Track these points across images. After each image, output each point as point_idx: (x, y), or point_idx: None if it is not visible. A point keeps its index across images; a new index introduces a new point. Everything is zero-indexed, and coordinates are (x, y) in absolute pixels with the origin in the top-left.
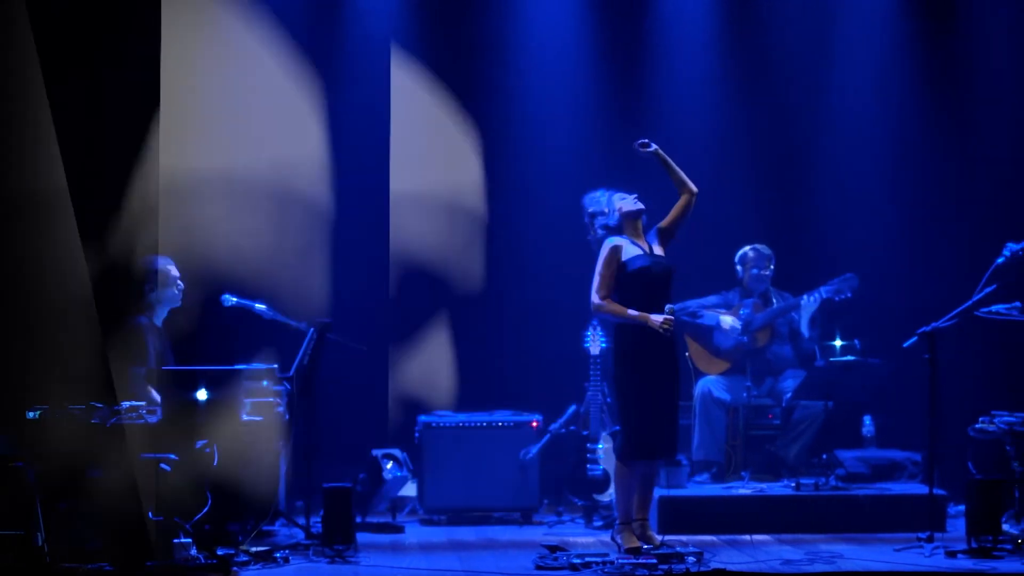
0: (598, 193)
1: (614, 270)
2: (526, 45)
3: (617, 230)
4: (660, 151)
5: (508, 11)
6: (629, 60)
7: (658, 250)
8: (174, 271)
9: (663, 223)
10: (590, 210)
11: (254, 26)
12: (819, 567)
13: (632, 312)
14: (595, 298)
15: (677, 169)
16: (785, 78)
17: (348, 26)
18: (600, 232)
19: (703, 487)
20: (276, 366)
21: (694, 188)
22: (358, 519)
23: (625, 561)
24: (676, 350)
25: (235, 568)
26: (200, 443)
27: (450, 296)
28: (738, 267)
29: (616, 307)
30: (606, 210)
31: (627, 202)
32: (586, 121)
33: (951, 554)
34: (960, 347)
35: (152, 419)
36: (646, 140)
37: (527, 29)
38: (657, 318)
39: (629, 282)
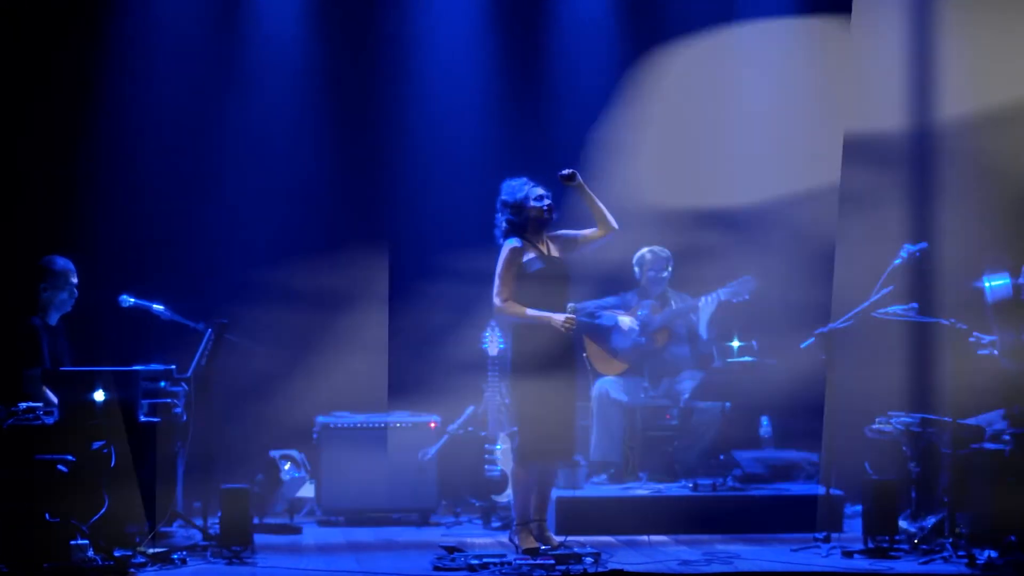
0: (517, 183)
1: (514, 272)
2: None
3: (520, 228)
4: (584, 184)
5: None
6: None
7: (555, 252)
8: (73, 277)
9: (571, 235)
10: (504, 198)
11: None
12: (716, 567)
13: (534, 312)
14: (497, 300)
15: (600, 204)
16: (680, 80)
17: None
18: (504, 225)
19: (601, 488)
20: (174, 367)
21: (615, 226)
22: (256, 520)
23: (523, 562)
24: (574, 351)
25: (132, 570)
26: (97, 444)
27: (348, 296)
28: (636, 269)
29: (518, 308)
30: (519, 204)
31: (535, 209)
32: (487, 120)
33: (848, 554)
34: (857, 348)
35: (49, 420)
36: (572, 172)
37: (423, 29)
38: (559, 317)
39: (526, 284)
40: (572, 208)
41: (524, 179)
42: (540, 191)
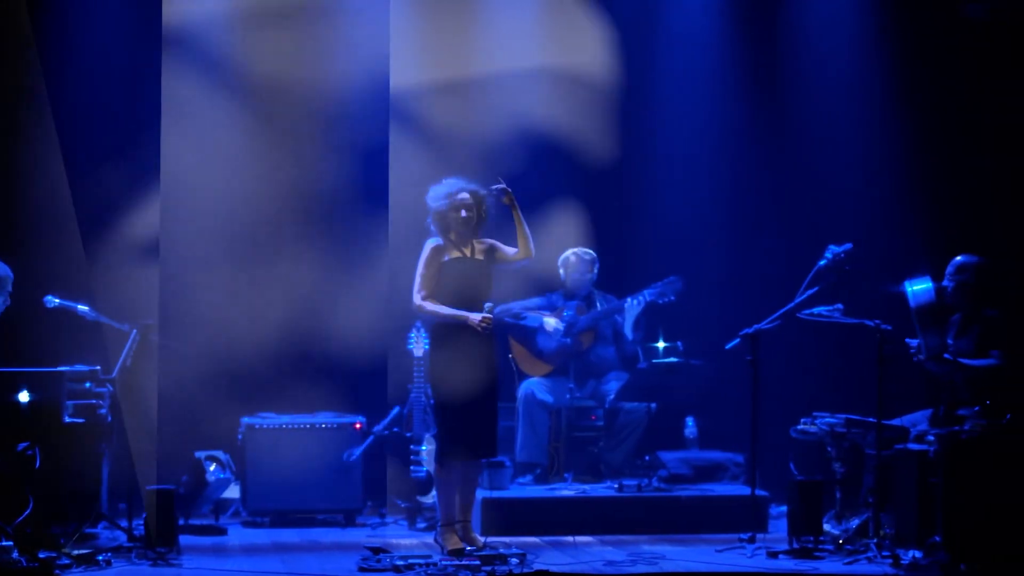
0: (443, 189)
1: (434, 270)
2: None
3: (445, 229)
4: (516, 205)
5: None
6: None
7: (480, 256)
8: (10, 285)
9: (497, 247)
10: (428, 203)
11: None
12: (641, 568)
13: (451, 311)
14: (416, 298)
15: (525, 228)
16: (611, 80)
17: None
18: (431, 226)
19: (526, 489)
20: (99, 368)
21: (532, 252)
22: (181, 521)
23: (448, 563)
24: (494, 350)
25: (57, 571)
26: (22, 445)
27: (276, 296)
28: (560, 270)
29: (436, 307)
30: (439, 211)
31: (455, 219)
32: None
33: (773, 554)
34: (782, 349)
35: None
36: (506, 188)
37: None
38: (475, 317)
39: (447, 283)
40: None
41: (452, 183)
42: (464, 196)
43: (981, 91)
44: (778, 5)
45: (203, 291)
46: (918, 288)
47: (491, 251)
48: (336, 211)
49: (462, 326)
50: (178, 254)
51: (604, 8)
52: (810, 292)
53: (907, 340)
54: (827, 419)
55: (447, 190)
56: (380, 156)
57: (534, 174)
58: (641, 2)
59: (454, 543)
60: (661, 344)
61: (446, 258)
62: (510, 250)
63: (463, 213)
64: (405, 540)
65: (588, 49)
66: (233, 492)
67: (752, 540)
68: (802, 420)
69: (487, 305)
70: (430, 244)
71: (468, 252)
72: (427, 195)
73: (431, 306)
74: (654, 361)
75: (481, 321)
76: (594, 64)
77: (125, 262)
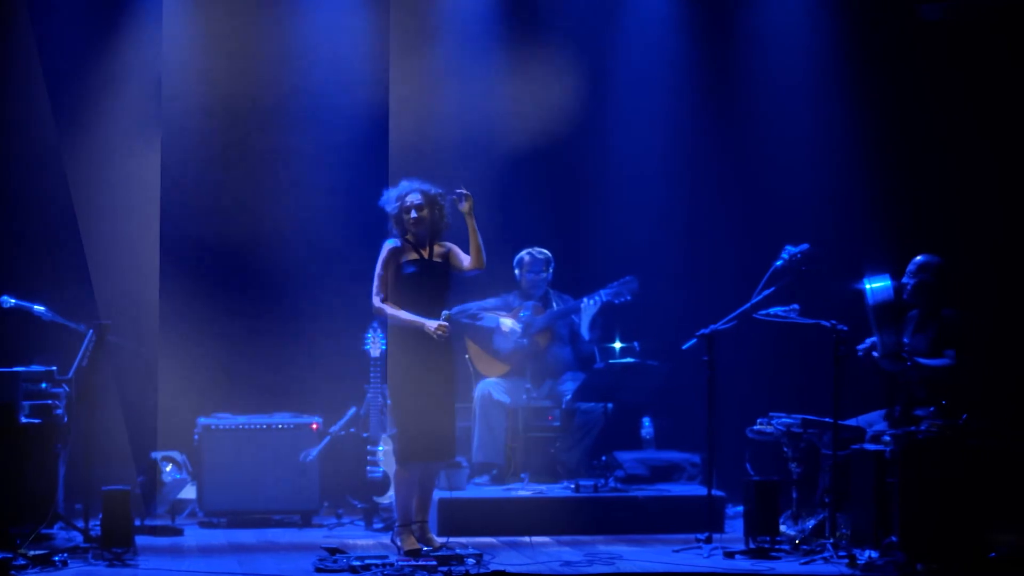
0: (395, 191)
1: (392, 272)
2: None
3: (401, 230)
4: (471, 215)
5: None
6: None
7: (437, 258)
8: None
9: (455, 253)
10: (382, 205)
11: None
12: (598, 568)
13: (408, 316)
14: (375, 300)
15: (479, 238)
16: (565, 80)
17: None
18: (390, 223)
19: (483, 489)
20: (55, 368)
21: (483, 263)
22: (137, 522)
23: (405, 563)
24: (452, 352)
25: (13, 572)
26: None
27: (229, 297)
28: (516, 270)
29: (394, 310)
30: (394, 214)
31: (407, 221)
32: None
33: (729, 555)
34: (738, 349)
35: None
36: (465, 193)
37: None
38: (431, 324)
39: (403, 285)
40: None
41: (404, 185)
42: (413, 198)
43: (937, 91)
44: (735, 7)
45: (155, 286)
46: (876, 286)
47: (450, 256)
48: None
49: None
50: (131, 253)
51: (561, 11)
52: (766, 292)
53: (864, 339)
54: (783, 419)
55: (397, 192)
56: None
57: (490, 174)
58: (598, 5)
59: (411, 543)
60: (617, 344)
61: (403, 260)
62: (465, 258)
63: (412, 214)
64: (362, 540)
65: (546, 50)
66: (189, 493)
67: (709, 540)
68: (758, 420)
69: (444, 313)
70: (387, 246)
71: (426, 254)
72: (383, 195)
73: (390, 310)
74: (610, 361)
75: (437, 328)
76: (551, 65)
77: (81, 262)
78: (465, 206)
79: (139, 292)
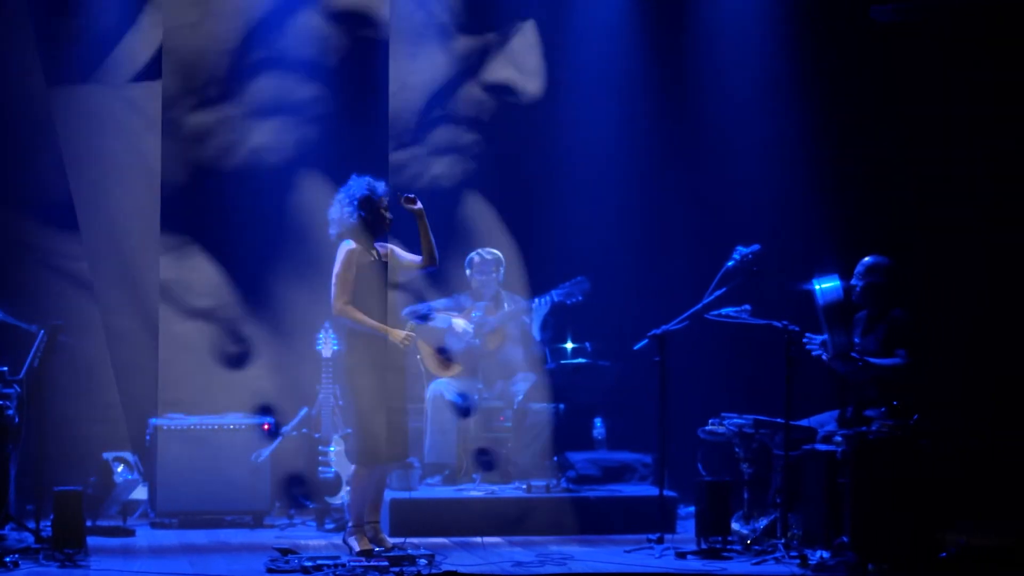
0: (371, 182)
1: (354, 274)
2: None
3: (367, 228)
4: (423, 214)
5: None
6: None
7: (384, 259)
8: None
9: (398, 252)
10: (360, 194)
11: None
12: (550, 569)
13: (375, 324)
14: (338, 303)
15: (431, 237)
16: (517, 80)
17: None
18: (354, 221)
19: (435, 490)
20: (6, 368)
21: (436, 261)
22: (89, 523)
23: (357, 564)
24: (406, 354)
25: None
26: None
27: (181, 297)
28: (467, 271)
29: (360, 315)
30: (375, 204)
31: (384, 217)
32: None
33: (681, 555)
34: (690, 350)
35: None
36: (413, 196)
37: None
38: (399, 334)
39: (361, 287)
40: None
41: (375, 184)
42: (375, 201)
43: (888, 92)
44: (687, 8)
45: (107, 291)
46: (826, 286)
47: (392, 255)
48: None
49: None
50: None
51: (514, 12)
52: (718, 293)
53: (814, 339)
54: (735, 420)
55: (359, 195)
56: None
57: (443, 173)
58: (551, 5)
59: (363, 544)
60: (569, 345)
61: (361, 261)
62: (415, 257)
63: (372, 219)
64: (314, 541)
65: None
66: (141, 493)
67: (660, 541)
68: (710, 421)
69: (409, 324)
70: (346, 247)
71: (375, 255)
72: (336, 196)
73: (356, 314)
74: (562, 362)
75: (404, 339)
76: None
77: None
78: (418, 207)
79: (91, 291)
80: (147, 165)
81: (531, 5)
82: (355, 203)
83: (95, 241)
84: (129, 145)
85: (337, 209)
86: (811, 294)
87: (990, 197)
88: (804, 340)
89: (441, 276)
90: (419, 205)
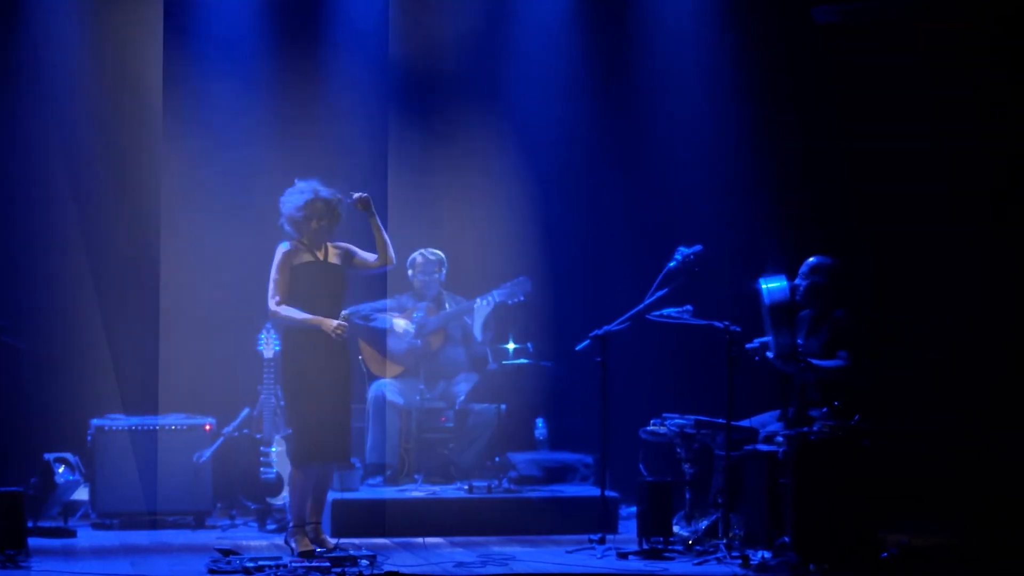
0: (297, 191)
1: (287, 275)
2: None
3: (298, 232)
4: (375, 213)
5: None
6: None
7: (334, 259)
8: None
9: (353, 252)
10: (281, 206)
11: None
12: (492, 569)
13: (307, 316)
14: (271, 303)
15: (384, 236)
16: (460, 80)
17: None
18: (285, 226)
19: (376, 490)
20: None
21: (392, 259)
22: (29, 523)
23: (298, 564)
24: (347, 352)
25: None
26: None
27: (121, 297)
28: (409, 271)
29: (290, 312)
30: (290, 215)
31: (306, 223)
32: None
33: (623, 555)
34: (632, 350)
35: None
36: (366, 196)
37: None
38: (331, 323)
39: (299, 287)
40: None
41: (306, 187)
42: (319, 205)
43: (831, 93)
44: (630, 6)
45: (48, 288)
46: (772, 286)
47: (347, 255)
48: None
49: (316, 329)
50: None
51: (457, 8)
52: (660, 294)
53: (758, 339)
54: (677, 420)
55: (302, 198)
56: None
57: (383, 172)
58: (493, 3)
59: (305, 545)
60: (511, 345)
61: (298, 261)
62: (369, 256)
63: (317, 221)
64: (255, 542)
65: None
66: (82, 494)
67: (602, 541)
68: (652, 421)
69: (343, 312)
70: (282, 249)
71: (321, 255)
72: (281, 197)
73: (286, 311)
74: (504, 362)
75: (336, 328)
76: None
77: None
78: (362, 205)
79: (32, 292)
80: None
81: (473, 2)
82: (295, 206)
83: None
84: None
85: (281, 206)
86: (757, 294)
87: (941, 194)
88: (748, 348)
89: (381, 277)
90: (370, 207)
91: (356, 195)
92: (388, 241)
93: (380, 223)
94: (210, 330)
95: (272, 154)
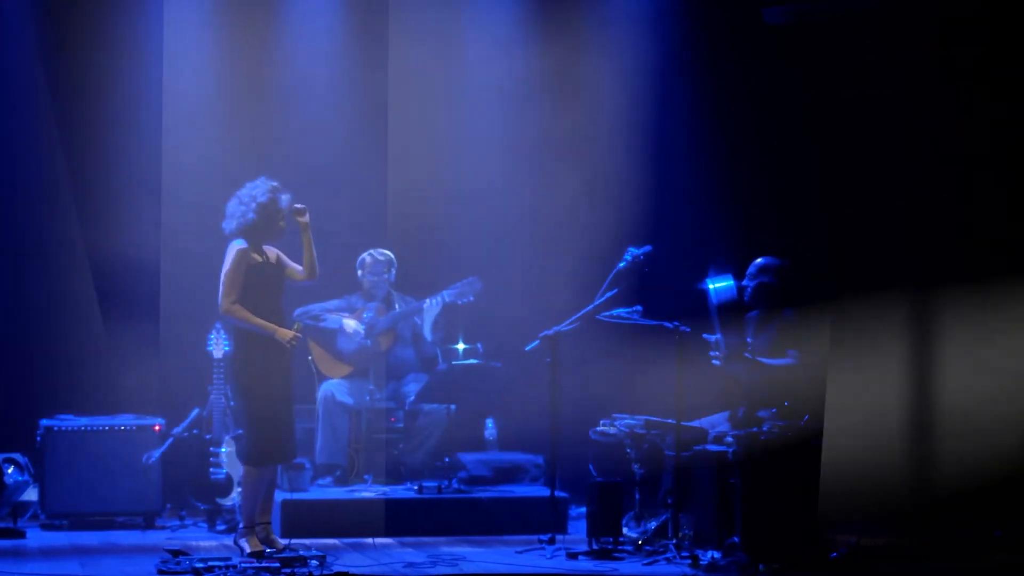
0: (270, 186)
1: (242, 275)
2: None
3: (256, 232)
4: (309, 226)
5: None
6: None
7: (274, 261)
8: None
9: (285, 260)
10: (257, 197)
11: None
12: (441, 569)
13: (263, 323)
14: (224, 303)
15: (313, 252)
16: (401, 81)
17: None
18: (244, 223)
19: (326, 490)
20: None
21: (315, 276)
22: None
23: (248, 565)
24: (290, 352)
25: None
26: None
27: (72, 296)
28: (358, 272)
29: (247, 314)
30: (271, 210)
31: (279, 222)
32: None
33: (572, 555)
34: (582, 350)
35: None
36: (303, 207)
37: None
38: (288, 334)
39: (251, 288)
40: None
41: (273, 189)
42: (282, 209)
43: (780, 94)
44: (579, 8)
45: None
46: (720, 286)
47: (279, 260)
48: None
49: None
50: None
51: (408, 10)
52: (609, 294)
53: (707, 339)
54: (626, 420)
55: (271, 203)
56: None
57: (328, 172)
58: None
59: (254, 545)
60: (461, 346)
61: (251, 263)
62: (296, 267)
63: (274, 225)
64: (205, 542)
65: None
66: (32, 495)
67: (552, 541)
68: (602, 421)
69: (296, 324)
70: (236, 247)
71: (267, 256)
72: (240, 199)
73: (243, 313)
74: (454, 363)
75: (291, 340)
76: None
77: None
78: (305, 219)
79: None
80: None
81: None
82: (255, 204)
83: None
84: None
85: (235, 205)
86: (705, 293)
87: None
88: (712, 355)
89: (331, 277)
90: (307, 218)
91: (297, 206)
92: (316, 257)
93: (311, 237)
94: (160, 329)
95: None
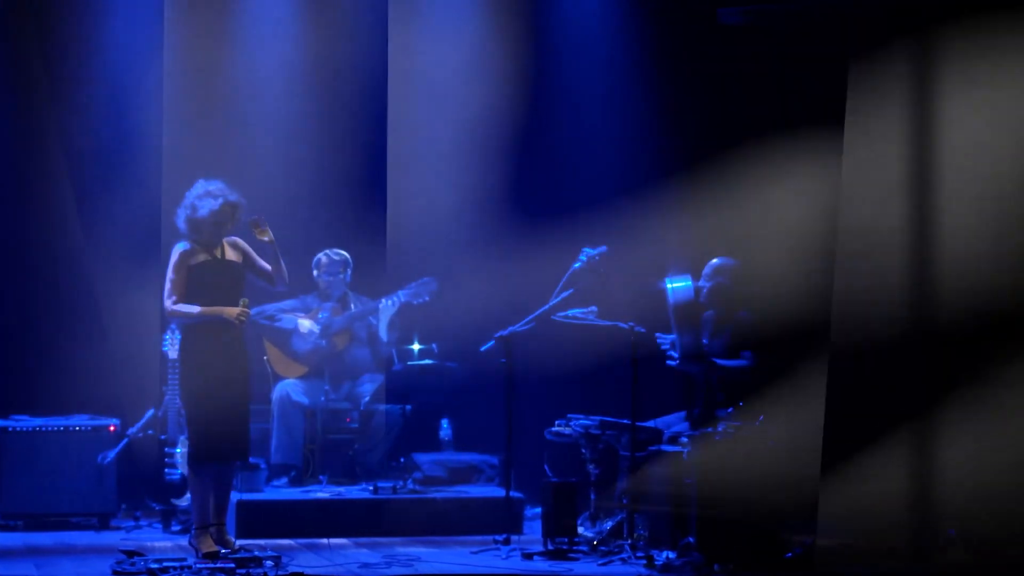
0: (204, 191)
1: (184, 275)
2: None
3: (195, 232)
4: (274, 242)
5: None
6: None
7: (231, 256)
8: None
9: (251, 257)
10: (188, 201)
11: None
12: (397, 570)
13: (205, 308)
14: (167, 303)
15: (282, 264)
16: (356, 78)
17: None
18: (183, 226)
19: (281, 491)
20: None
21: (284, 284)
22: None
23: (203, 566)
24: (245, 349)
25: None
26: None
27: (25, 297)
28: (314, 272)
29: (187, 308)
30: (194, 216)
31: (208, 224)
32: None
33: (528, 556)
34: (537, 351)
35: None
36: (258, 219)
37: None
38: (233, 310)
39: (197, 287)
40: None
41: (215, 190)
42: (227, 212)
43: (736, 95)
44: (538, 11)
45: None
46: (677, 286)
47: (245, 255)
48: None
49: (213, 327)
50: None
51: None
52: (565, 294)
53: (663, 339)
54: (582, 421)
55: (216, 203)
56: None
57: (286, 172)
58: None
59: (209, 546)
60: (416, 346)
61: (195, 261)
62: (264, 267)
63: (222, 225)
64: (160, 543)
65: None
66: None
67: (507, 542)
68: (557, 422)
69: (243, 300)
70: (179, 249)
71: (218, 254)
72: (188, 193)
73: (183, 307)
74: (409, 363)
75: (239, 315)
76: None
77: None
78: (267, 234)
79: None
80: None
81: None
82: (207, 210)
83: None
84: None
85: (180, 206)
86: (663, 293)
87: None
88: (668, 358)
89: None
90: (267, 233)
91: (254, 218)
92: (284, 266)
93: (276, 247)
94: (116, 330)
95: None
